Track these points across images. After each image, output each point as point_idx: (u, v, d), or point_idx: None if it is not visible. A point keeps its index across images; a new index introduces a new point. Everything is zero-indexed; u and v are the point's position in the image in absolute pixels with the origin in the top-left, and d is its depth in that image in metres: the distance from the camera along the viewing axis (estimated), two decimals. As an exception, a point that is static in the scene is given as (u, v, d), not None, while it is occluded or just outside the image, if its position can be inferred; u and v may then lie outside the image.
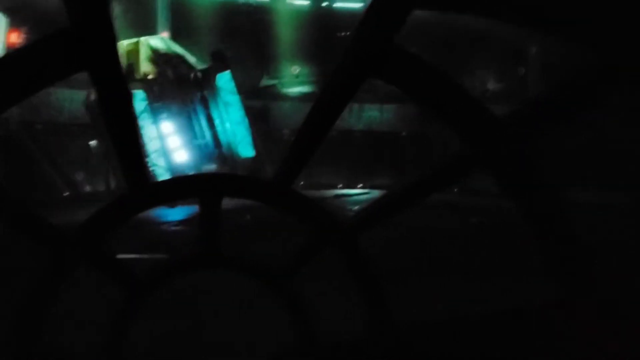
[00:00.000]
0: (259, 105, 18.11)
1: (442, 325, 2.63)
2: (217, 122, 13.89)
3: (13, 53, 1.82)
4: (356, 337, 2.86)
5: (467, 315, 2.59)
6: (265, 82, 19.40)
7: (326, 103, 2.06)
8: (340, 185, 16.94)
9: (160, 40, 14.42)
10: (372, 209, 2.73)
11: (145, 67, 13.19)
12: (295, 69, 19.37)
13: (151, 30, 16.59)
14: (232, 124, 14.15)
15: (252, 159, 14.32)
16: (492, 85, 18.45)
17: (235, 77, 14.57)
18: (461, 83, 1.90)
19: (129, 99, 1.86)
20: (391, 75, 1.83)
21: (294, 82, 19.47)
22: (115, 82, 1.72)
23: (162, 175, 12.09)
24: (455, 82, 1.84)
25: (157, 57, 13.32)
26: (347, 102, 1.99)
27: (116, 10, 14.53)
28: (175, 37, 16.79)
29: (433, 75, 1.81)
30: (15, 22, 14.45)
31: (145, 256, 6.26)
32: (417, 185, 2.51)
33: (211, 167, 13.32)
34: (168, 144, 12.96)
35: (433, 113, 1.93)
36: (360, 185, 16.80)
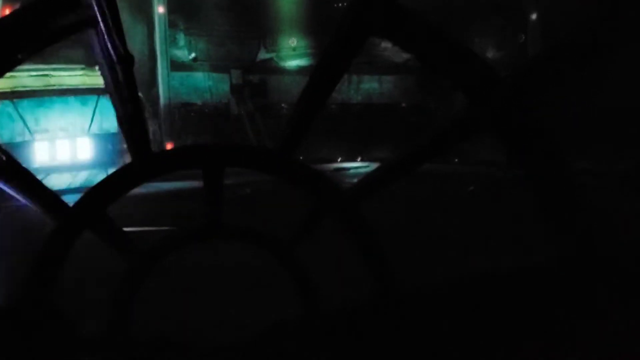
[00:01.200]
0: (257, 80, 17.99)
1: (445, 288, 2.67)
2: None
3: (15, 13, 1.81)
4: (360, 303, 2.90)
5: (469, 277, 2.62)
6: (263, 55, 19.21)
7: (327, 66, 2.06)
8: (340, 159, 16.89)
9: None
10: (374, 176, 2.75)
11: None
12: (293, 42, 19.15)
13: (147, 5, 16.40)
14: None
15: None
16: (492, 53, 18.28)
17: (232, 51, 14.45)
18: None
19: (130, 65, 1.86)
20: (392, 34, 1.83)
21: (292, 55, 19.26)
22: (117, 46, 1.71)
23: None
24: (456, 40, 1.83)
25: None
26: (348, 64, 1.99)
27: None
28: (173, 10, 16.60)
29: (434, 33, 1.81)
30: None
31: (149, 229, 6.33)
32: (420, 150, 2.53)
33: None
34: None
35: (435, 71, 1.93)
36: (359, 158, 16.74)
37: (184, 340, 2.71)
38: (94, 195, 2.46)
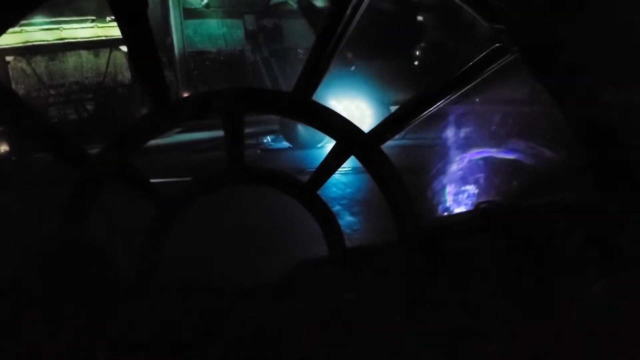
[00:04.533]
0: (271, 24, 17.62)
1: (467, 221, 2.68)
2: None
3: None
4: (383, 240, 2.94)
5: (490, 209, 2.62)
6: (277, -1, 18.71)
7: (344, 2, 2.00)
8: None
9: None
10: (395, 115, 2.72)
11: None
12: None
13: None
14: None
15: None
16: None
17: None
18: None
19: (144, 8, 1.82)
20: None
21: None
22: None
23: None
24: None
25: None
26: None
27: None
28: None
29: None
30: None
31: (172, 179, 6.41)
32: (440, 89, 2.49)
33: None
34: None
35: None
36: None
37: (212, 284, 2.78)
38: (115, 144, 2.48)
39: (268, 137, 11.47)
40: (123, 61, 14.52)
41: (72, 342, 2.37)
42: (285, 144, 10.88)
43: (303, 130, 9.90)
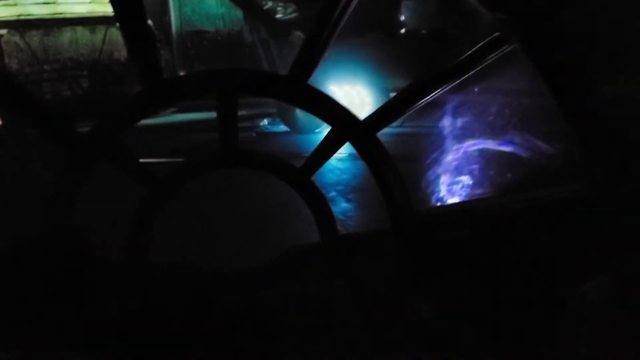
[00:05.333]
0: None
1: (461, 211, 2.66)
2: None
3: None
4: (376, 228, 2.92)
5: (486, 200, 2.60)
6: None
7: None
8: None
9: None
10: (392, 102, 2.68)
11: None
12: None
13: None
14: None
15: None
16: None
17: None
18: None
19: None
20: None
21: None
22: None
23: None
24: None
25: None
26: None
27: None
28: None
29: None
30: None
31: (164, 160, 6.36)
32: (438, 76, 2.45)
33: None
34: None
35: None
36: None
37: (202, 267, 2.76)
38: (106, 123, 2.43)
39: (265, 120, 11.39)
40: (119, 38, 14.35)
41: (58, 326, 2.35)
42: (283, 127, 10.81)
43: (301, 114, 9.82)
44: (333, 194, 6.22)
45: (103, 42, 14.58)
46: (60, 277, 2.39)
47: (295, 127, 10.40)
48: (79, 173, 2.43)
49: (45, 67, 14.03)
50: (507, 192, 2.98)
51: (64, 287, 2.41)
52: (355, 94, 9.91)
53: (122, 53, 14.65)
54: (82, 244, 2.51)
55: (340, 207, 5.92)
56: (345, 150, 2.93)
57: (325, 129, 9.50)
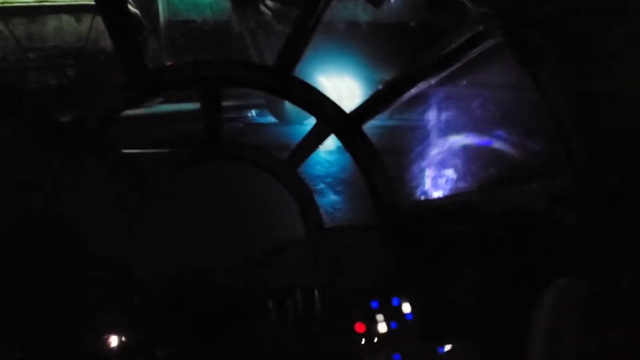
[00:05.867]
0: (260, -4, 17.32)
1: (445, 205, 2.67)
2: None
3: None
4: (362, 222, 2.92)
5: (468, 194, 2.61)
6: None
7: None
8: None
9: None
10: (377, 95, 2.68)
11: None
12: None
13: None
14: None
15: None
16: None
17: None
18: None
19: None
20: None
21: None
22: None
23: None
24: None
25: None
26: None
27: None
28: None
29: None
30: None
31: (148, 151, 6.30)
32: (422, 69, 2.45)
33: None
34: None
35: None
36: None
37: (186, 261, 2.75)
38: (90, 114, 2.41)
39: (253, 111, 11.33)
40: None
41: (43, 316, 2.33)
42: (271, 119, 10.76)
43: (290, 105, 9.76)
44: (322, 186, 6.20)
45: (89, 30, 14.36)
46: (41, 270, 2.37)
47: (283, 118, 10.34)
48: (61, 164, 2.41)
49: (30, 55, 13.80)
50: (491, 186, 2.99)
51: (45, 280, 2.39)
52: (344, 86, 9.88)
53: (109, 42, 14.45)
54: (64, 236, 2.48)
55: (329, 199, 5.90)
56: (334, 142, 2.92)
57: (313, 121, 9.41)
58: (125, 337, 2.41)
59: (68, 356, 2.33)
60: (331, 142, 2.89)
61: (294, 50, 2.38)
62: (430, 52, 2.35)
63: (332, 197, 5.95)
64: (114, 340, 2.39)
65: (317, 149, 2.90)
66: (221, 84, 2.47)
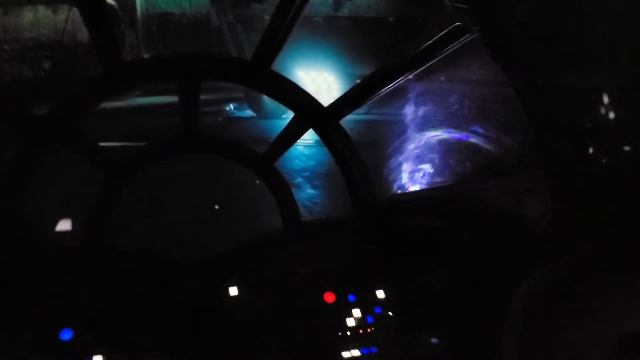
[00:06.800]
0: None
1: (422, 198, 2.70)
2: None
3: None
4: (339, 215, 2.94)
5: (446, 188, 2.65)
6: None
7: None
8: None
9: None
10: (355, 90, 2.68)
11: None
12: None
13: None
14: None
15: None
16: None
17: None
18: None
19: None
20: None
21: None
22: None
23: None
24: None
25: None
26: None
27: None
28: None
29: None
30: None
31: (126, 144, 6.24)
32: (400, 64, 2.47)
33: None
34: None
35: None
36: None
37: (163, 253, 2.73)
38: (65, 106, 2.37)
39: (231, 105, 11.28)
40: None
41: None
42: (249, 112, 10.73)
43: (268, 99, 9.73)
44: (299, 180, 6.22)
45: (66, 22, 14.12)
46: (12, 263, 2.34)
47: (262, 112, 10.32)
48: (35, 157, 2.37)
49: (5, 47, 13.53)
50: (467, 180, 3.03)
51: (16, 274, 2.36)
52: (322, 80, 9.90)
53: (86, 34, 14.21)
54: (37, 229, 2.45)
55: (307, 193, 5.93)
56: (311, 136, 2.93)
57: (292, 115, 9.36)
58: (96, 329, 2.39)
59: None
60: (309, 136, 2.89)
61: (273, 43, 2.37)
62: (408, 47, 2.36)
63: (310, 191, 5.98)
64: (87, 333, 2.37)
65: (295, 143, 2.89)
66: (199, 77, 2.45)
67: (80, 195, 2.76)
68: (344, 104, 2.65)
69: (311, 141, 6.99)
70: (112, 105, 9.18)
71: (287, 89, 2.61)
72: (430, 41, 2.25)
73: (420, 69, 2.38)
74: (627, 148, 2.27)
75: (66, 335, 2.36)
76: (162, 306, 2.53)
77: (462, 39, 2.17)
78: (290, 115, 2.75)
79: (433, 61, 2.30)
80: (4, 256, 2.36)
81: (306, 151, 7.02)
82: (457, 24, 2.13)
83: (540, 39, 2.08)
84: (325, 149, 2.74)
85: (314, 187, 6.15)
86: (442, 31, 2.17)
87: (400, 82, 2.45)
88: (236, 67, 2.52)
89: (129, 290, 2.57)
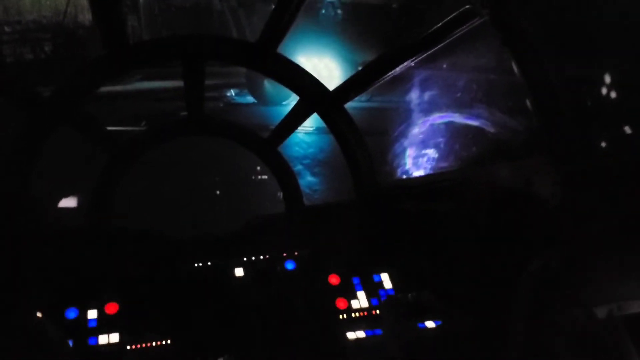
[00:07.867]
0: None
1: (425, 184, 2.69)
2: None
3: None
4: (342, 199, 2.94)
5: (450, 174, 2.65)
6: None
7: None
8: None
9: None
10: (359, 75, 2.67)
11: None
12: None
13: None
14: None
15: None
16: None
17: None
18: None
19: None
20: None
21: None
22: None
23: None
24: None
25: None
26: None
27: None
28: None
29: None
30: None
31: (129, 128, 6.23)
32: (404, 49, 2.45)
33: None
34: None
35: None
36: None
37: (166, 234, 2.74)
38: (68, 87, 2.35)
39: (232, 91, 11.22)
40: (84, 1, 13.82)
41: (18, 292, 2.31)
42: (250, 98, 10.67)
43: (269, 85, 9.72)
44: (299, 167, 6.21)
45: (67, 4, 14.03)
46: (17, 242, 2.34)
47: (262, 99, 10.28)
48: (39, 138, 2.36)
49: (6, 28, 13.45)
50: (472, 165, 3.03)
51: (22, 253, 2.37)
52: (323, 66, 9.85)
53: (87, 16, 14.14)
54: (42, 210, 2.45)
55: (307, 180, 5.93)
56: (312, 123, 2.93)
57: (292, 101, 9.35)
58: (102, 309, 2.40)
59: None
60: (310, 123, 2.89)
61: (280, 26, 2.35)
62: (417, 31, 2.34)
63: (310, 179, 5.97)
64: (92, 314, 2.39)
65: (296, 131, 2.88)
66: (204, 59, 2.44)
67: (85, 177, 2.75)
68: (349, 87, 2.63)
69: (311, 128, 6.96)
70: (113, 90, 9.14)
71: (292, 72, 2.59)
72: (439, 24, 2.24)
73: (428, 52, 2.37)
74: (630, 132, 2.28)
75: (71, 313, 2.37)
76: (168, 286, 2.55)
77: (471, 22, 2.15)
78: (291, 102, 2.75)
79: (441, 44, 2.28)
80: (10, 235, 2.36)
81: (307, 138, 7.00)
82: (466, 7, 2.11)
83: (551, 26, 2.07)
84: (325, 137, 2.74)
85: (313, 174, 6.15)
86: (454, 13, 2.16)
87: (408, 65, 2.43)
88: (242, 49, 2.50)
89: (134, 270, 2.58)
